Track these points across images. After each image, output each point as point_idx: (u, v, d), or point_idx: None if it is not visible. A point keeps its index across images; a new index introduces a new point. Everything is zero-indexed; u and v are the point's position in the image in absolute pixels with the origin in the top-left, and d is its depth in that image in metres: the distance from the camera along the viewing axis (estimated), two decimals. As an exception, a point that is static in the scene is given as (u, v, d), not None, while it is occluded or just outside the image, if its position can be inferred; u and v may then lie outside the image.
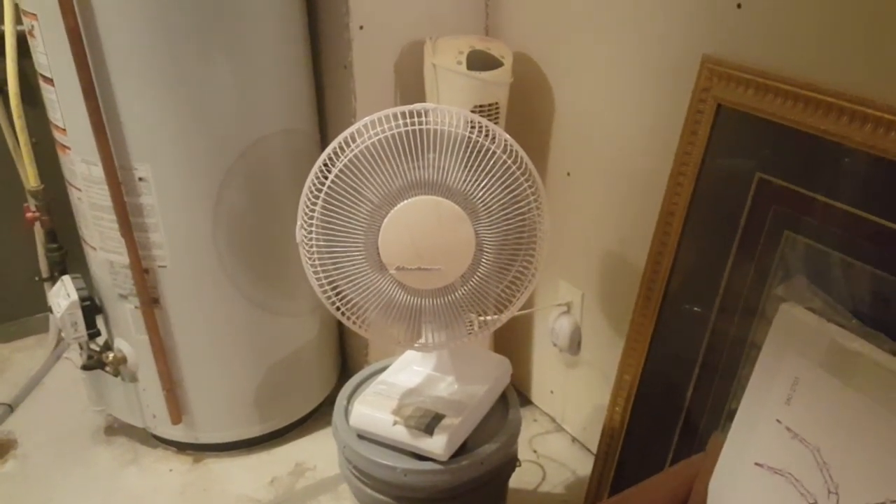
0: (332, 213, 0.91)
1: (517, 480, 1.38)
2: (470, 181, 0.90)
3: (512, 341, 1.59)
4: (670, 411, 1.13)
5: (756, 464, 0.88)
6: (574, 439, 1.51)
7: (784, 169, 0.94)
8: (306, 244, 0.93)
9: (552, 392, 1.55)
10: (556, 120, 1.33)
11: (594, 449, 1.29)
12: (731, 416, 0.93)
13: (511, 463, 1.10)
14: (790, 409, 0.85)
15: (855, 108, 0.83)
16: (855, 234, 0.86)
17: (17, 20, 1.41)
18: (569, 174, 1.33)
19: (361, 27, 1.28)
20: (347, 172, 0.89)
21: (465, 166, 0.90)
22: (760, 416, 0.88)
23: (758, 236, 0.97)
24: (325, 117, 1.45)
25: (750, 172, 0.97)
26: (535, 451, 1.48)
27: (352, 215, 0.90)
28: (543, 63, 1.32)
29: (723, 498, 0.92)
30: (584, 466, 1.41)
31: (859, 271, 0.85)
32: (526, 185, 0.91)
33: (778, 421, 0.86)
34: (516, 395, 1.12)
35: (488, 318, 0.99)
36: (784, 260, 0.94)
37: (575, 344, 1.42)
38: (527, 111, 1.37)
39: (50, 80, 1.23)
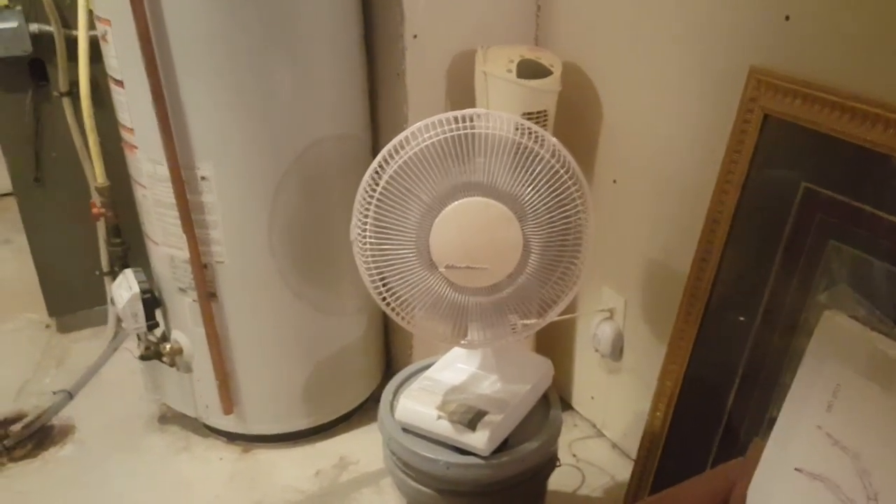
0: (385, 213, 0.95)
1: (556, 483, 1.39)
2: (518, 184, 0.93)
3: (554, 346, 1.60)
4: (711, 418, 1.13)
5: (796, 469, 0.88)
6: (614, 445, 1.51)
7: (829, 179, 0.95)
8: (360, 242, 0.97)
9: (593, 397, 1.56)
10: (603, 128, 1.35)
11: (634, 455, 1.30)
12: (771, 424, 0.94)
13: (551, 462, 1.12)
14: (831, 415, 0.85)
15: (902, 120, 0.84)
16: (900, 245, 0.87)
17: (90, 26, 1.49)
18: (615, 181, 1.35)
19: (415, 36, 1.32)
20: (401, 173, 0.93)
21: (514, 170, 0.92)
22: (801, 421, 0.89)
23: (802, 245, 0.98)
24: (378, 123, 1.49)
25: (795, 182, 0.98)
26: (574, 456, 1.49)
27: (404, 215, 0.94)
28: (592, 72, 1.35)
29: (762, 503, 0.93)
30: (623, 472, 1.42)
31: (903, 281, 0.86)
32: (573, 188, 0.93)
33: (819, 427, 0.86)
34: (557, 395, 1.14)
35: (532, 321, 1.01)
36: (828, 269, 0.95)
37: (617, 350, 1.43)
38: (575, 119, 1.39)
39: (120, 83, 1.29)
